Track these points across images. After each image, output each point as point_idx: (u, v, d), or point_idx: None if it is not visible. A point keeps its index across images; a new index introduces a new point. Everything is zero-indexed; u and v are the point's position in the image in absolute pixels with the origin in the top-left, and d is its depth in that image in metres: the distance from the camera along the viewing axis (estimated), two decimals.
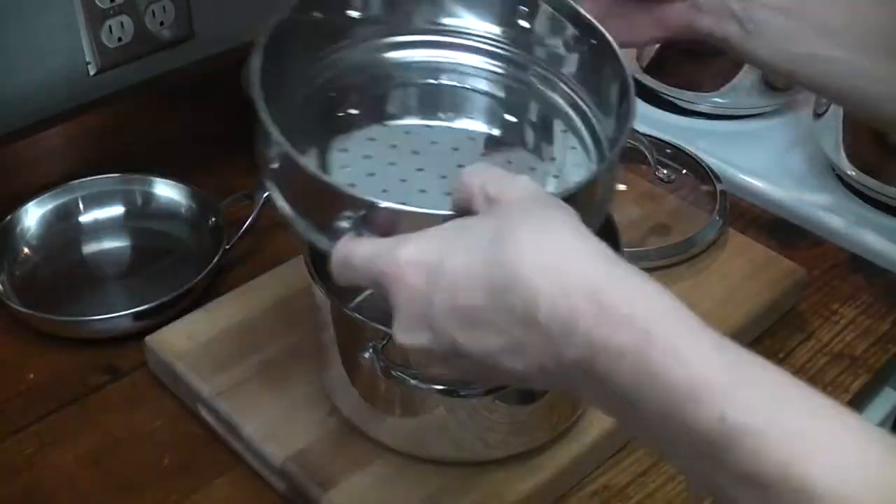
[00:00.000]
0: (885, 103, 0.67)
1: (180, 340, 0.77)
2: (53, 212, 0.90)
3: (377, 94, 0.69)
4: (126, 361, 0.80)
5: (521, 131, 0.70)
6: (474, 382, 0.53)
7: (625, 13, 0.69)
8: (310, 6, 0.65)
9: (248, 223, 0.87)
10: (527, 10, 0.68)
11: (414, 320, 0.48)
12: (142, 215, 0.92)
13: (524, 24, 0.69)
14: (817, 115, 1.01)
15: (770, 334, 0.84)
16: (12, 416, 0.75)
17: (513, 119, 0.70)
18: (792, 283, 0.85)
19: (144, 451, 0.73)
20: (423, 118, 0.68)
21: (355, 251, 0.51)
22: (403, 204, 0.52)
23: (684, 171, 0.94)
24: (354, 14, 0.67)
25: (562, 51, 0.68)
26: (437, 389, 0.60)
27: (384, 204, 0.51)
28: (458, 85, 0.70)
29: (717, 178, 0.92)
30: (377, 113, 0.67)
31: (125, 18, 0.94)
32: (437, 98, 0.69)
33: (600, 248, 0.46)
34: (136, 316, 0.80)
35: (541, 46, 0.69)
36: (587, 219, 0.49)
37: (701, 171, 0.93)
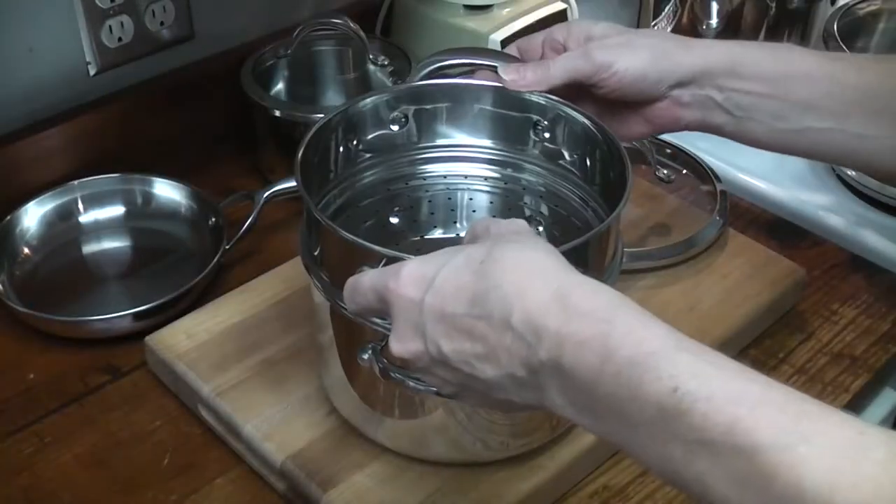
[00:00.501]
0: (880, 158, 0.69)
1: (180, 340, 0.77)
2: (53, 212, 0.90)
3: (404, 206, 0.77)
4: (126, 361, 0.80)
5: None
6: (455, 396, 0.55)
7: (615, 113, 0.72)
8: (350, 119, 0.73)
9: (248, 223, 0.87)
10: (542, 127, 0.74)
11: (407, 328, 0.52)
12: (142, 215, 0.92)
13: (535, 138, 0.75)
14: None
15: (770, 334, 0.84)
16: (12, 416, 0.75)
17: None
18: (792, 283, 0.85)
19: (144, 451, 0.73)
20: (444, 231, 0.79)
21: (363, 277, 0.56)
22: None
23: (684, 171, 0.94)
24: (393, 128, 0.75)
25: (560, 148, 0.74)
26: (436, 391, 0.60)
27: (396, 254, 0.58)
28: (468, 197, 0.78)
29: (717, 178, 0.92)
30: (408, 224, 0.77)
31: (125, 18, 0.94)
32: (450, 210, 0.78)
33: (572, 268, 0.51)
34: (136, 316, 0.80)
35: (540, 147, 0.75)
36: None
37: (701, 171, 0.93)
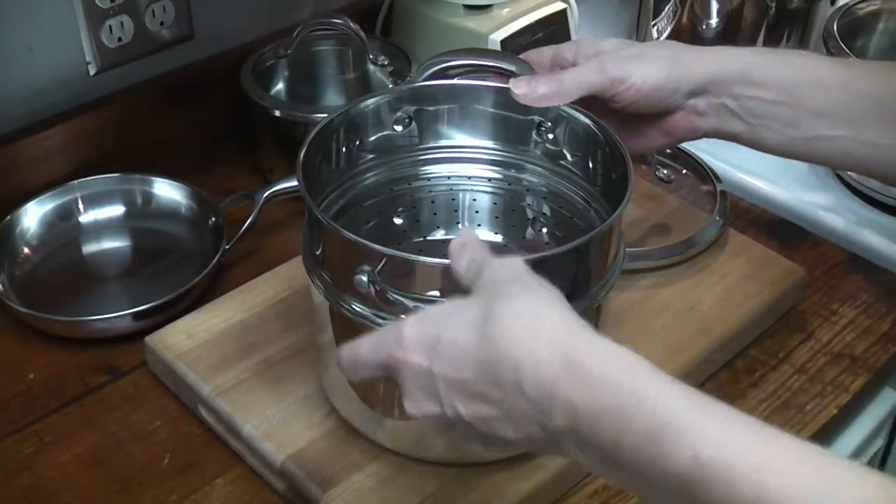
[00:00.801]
0: (895, 166, 0.70)
1: (180, 340, 0.77)
2: (53, 212, 0.90)
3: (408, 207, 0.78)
4: (126, 361, 0.80)
5: (522, 233, 0.79)
6: (480, 446, 0.56)
7: (632, 127, 0.72)
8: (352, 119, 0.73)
9: (248, 223, 0.87)
10: (545, 128, 0.74)
11: (420, 392, 0.52)
12: (142, 215, 0.92)
13: (537, 139, 0.75)
14: None
15: (770, 334, 0.84)
16: (12, 416, 0.75)
17: (511, 224, 0.79)
18: (792, 283, 0.85)
19: (144, 451, 0.73)
20: (447, 232, 0.79)
21: (360, 346, 0.55)
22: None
23: (684, 171, 0.94)
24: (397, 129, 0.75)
25: (562, 149, 0.75)
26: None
27: (397, 254, 0.59)
28: (471, 198, 0.79)
29: (717, 178, 0.92)
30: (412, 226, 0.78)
31: (125, 18, 0.94)
32: (453, 210, 0.79)
33: (577, 321, 0.50)
34: (136, 316, 0.80)
35: (542, 147, 0.76)
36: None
37: (701, 171, 0.93)
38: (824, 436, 0.78)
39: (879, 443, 0.91)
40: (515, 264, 0.54)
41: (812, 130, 0.69)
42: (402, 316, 0.56)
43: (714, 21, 1.06)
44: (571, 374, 0.47)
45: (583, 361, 0.47)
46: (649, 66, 0.69)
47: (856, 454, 0.85)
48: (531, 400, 0.48)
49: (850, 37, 1.00)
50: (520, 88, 0.69)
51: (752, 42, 1.04)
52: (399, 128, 0.75)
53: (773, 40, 1.04)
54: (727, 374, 0.80)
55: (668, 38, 1.08)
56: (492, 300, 0.51)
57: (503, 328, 0.49)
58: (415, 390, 0.52)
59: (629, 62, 0.69)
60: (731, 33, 1.05)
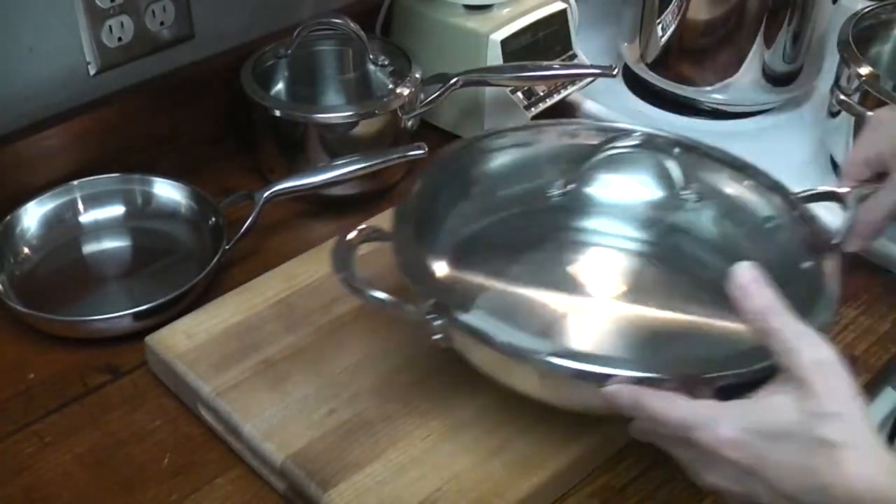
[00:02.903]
0: None
1: (180, 340, 0.77)
2: (53, 212, 0.90)
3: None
4: (126, 361, 0.80)
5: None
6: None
7: None
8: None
9: (248, 223, 0.86)
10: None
11: (727, 481, 0.55)
12: (142, 215, 0.92)
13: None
14: (831, 115, 1.00)
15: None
16: (12, 415, 0.75)
17: None
18: None
19: (144, 451, 0.73)
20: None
21: (672, 409, 0.56)
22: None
23: None
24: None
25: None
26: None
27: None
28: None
29: None
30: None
31: (125, 18, 0.94)
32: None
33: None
34: (136, 316, 0.80)
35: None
36: None
37: None
38: None
39: None
40: (830, 355, 0.54)
41: None
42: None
43: (717, 15, 1.06)
44: None
45: None
46: None
47: None
48: None
49: (865, 43, 1.00)
50: (851, 245, 0.73)
51: (754, 32, 1.05)
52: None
53: (772, 30, 1.05)
54: None
55: (672, 34, 1.08)
56: (817, 421, 0.51)
57: (837, 474, 0.50)
58: (722, 475, 0.55)
59: None
60: (733, 26, 1.05)
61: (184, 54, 1.00)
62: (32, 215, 0.89)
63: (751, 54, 1.06)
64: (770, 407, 0.53)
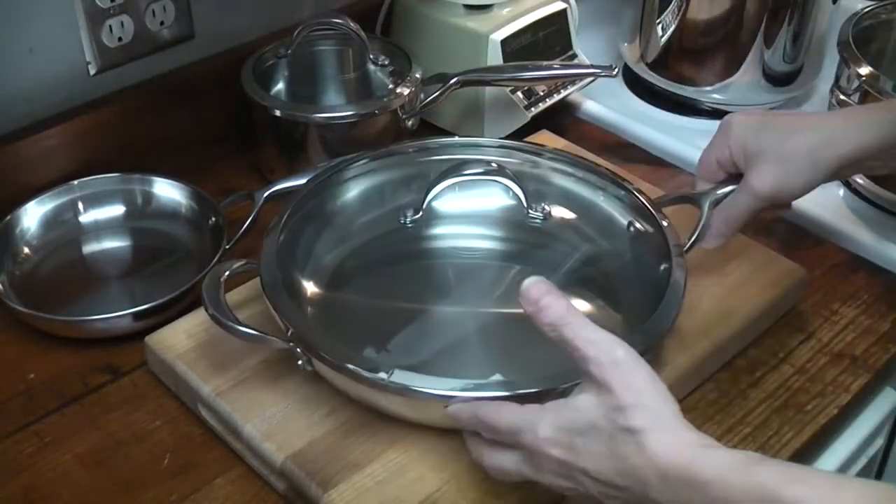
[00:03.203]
0: None
1: (180, 340, 0.77)
2: (53, 212, 0.90)
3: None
4: (126, 361, 0.80)
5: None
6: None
7: None
8: None
9: (248, 223, 0.86)
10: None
11: (554, 475, 0.59)
12: (142, 215, 0.92)
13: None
14: None
15: (770, 334, 0.84)
16: (12, 416, 0.75)
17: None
18: (792, 283, 0.85)
19: (144, 451, 0.73)
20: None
21: (499, 417, 0.61)
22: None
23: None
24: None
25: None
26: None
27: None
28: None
29: None
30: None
31: (125, 18, 0.94)
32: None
33: (702, 440, 0.56)
34: (136, 316, 0.80)
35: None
36: None
37: None
38: (824, 436, 0.78)
39: (880, 443, 0.90)
40: (643, 368, 0.58)
41: None
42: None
43: (717, 15, 1.06)
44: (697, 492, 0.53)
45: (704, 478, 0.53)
46: (796, 171, 0.74)
47: (856, 454, 0.85)
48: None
49: (865, 43, 1.00)
50: (708, 243, 0.79)
51: (754, 32, 1.05)
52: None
53: (773, 28, 1.05)
54: (727, 373, 0.80)
55: (672, 34, 1.08)
56: (622, 414, 0.56)
57: (643, 457, 0.55)
58: (549, 474, 0.59)
59: (772, 173, 0.74)
60: (733, 26, 1.05)
61: (184, 54, 1.00)
62: (32, 215, 0.89)
63: (751, 54, 1.06)
64: (578, 406, 0.58)
